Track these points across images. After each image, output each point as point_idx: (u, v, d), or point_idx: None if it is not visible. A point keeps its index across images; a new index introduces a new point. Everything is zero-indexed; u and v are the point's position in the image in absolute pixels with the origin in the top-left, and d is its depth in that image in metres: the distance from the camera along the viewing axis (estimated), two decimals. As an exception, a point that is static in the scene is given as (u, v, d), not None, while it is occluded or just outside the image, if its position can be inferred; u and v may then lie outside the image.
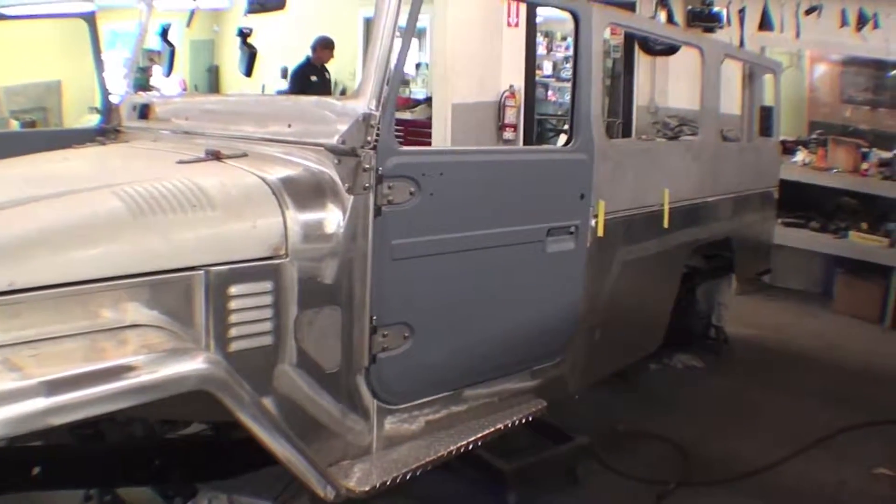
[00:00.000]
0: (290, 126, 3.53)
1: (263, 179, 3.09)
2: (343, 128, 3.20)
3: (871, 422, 5.76)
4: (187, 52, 16.24)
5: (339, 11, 13.63)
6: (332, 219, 3.13)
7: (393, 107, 3.26)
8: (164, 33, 5.17)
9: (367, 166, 3.16)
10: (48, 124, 12.59)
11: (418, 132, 10.61)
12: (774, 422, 5.83)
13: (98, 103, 5.69)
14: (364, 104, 3.19)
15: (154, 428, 3.57)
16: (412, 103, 11.54)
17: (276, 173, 3.14)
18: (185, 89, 13.91)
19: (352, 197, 3.16)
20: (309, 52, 10.84)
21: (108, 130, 4.74)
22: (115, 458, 3.38)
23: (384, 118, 3.19)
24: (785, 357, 7.41)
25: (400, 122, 10.94)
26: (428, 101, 10.82)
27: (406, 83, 13.01)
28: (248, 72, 5.53)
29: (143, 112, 4.64)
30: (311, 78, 10.64)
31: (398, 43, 3.25)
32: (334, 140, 3.20)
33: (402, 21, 3.26)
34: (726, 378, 6.71)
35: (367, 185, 3.17)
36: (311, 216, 3.09)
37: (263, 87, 13.56)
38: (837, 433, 5.57)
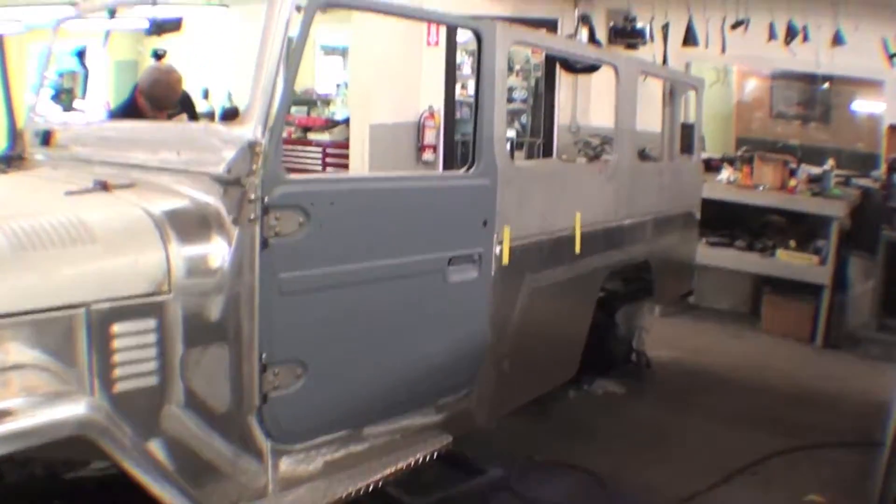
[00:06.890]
0: (179, 154, 3.40)
1: (147, 212, 3.00)
2: (229, 155, 3.10)
3: (801, 446, 5.70)
4: (113, 73, 16.02)
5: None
6: (217, 252, 3.04)
7: (280, 133, 3.17)
8: (80, 55, 5.06)
9: (253, 196, 3.06)
10: (-23, 151, 12.37)
11: (337, 154, 10.49)
12: (699, 449, 5.72)
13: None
14: (250, 131, 3.09)
15: (56, 467, 3.42)
16: (330, 124, 11.37)
17: (160, 205, 3.05)
18: (110, 110, 13.70)
19: (237, 229, 3.06)
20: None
21: (12, 158, 4.58)
22: (11, 499, 3.21)
23: (271, 145, 3.09)
24: (710, 380, 7.31)
25: (318, 143, 10.88)
26: (347, 122, 10.69)
27: (327, 103, 12.95)
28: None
29: (46, 139, 4.51)
30: None
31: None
32: (221, 169, 3.10)
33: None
34: (648, 404, 6.60)
35: (252, 216, 3.07)
36: (195, 250, 3.00)
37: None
38: (765, 459, 5.48)
